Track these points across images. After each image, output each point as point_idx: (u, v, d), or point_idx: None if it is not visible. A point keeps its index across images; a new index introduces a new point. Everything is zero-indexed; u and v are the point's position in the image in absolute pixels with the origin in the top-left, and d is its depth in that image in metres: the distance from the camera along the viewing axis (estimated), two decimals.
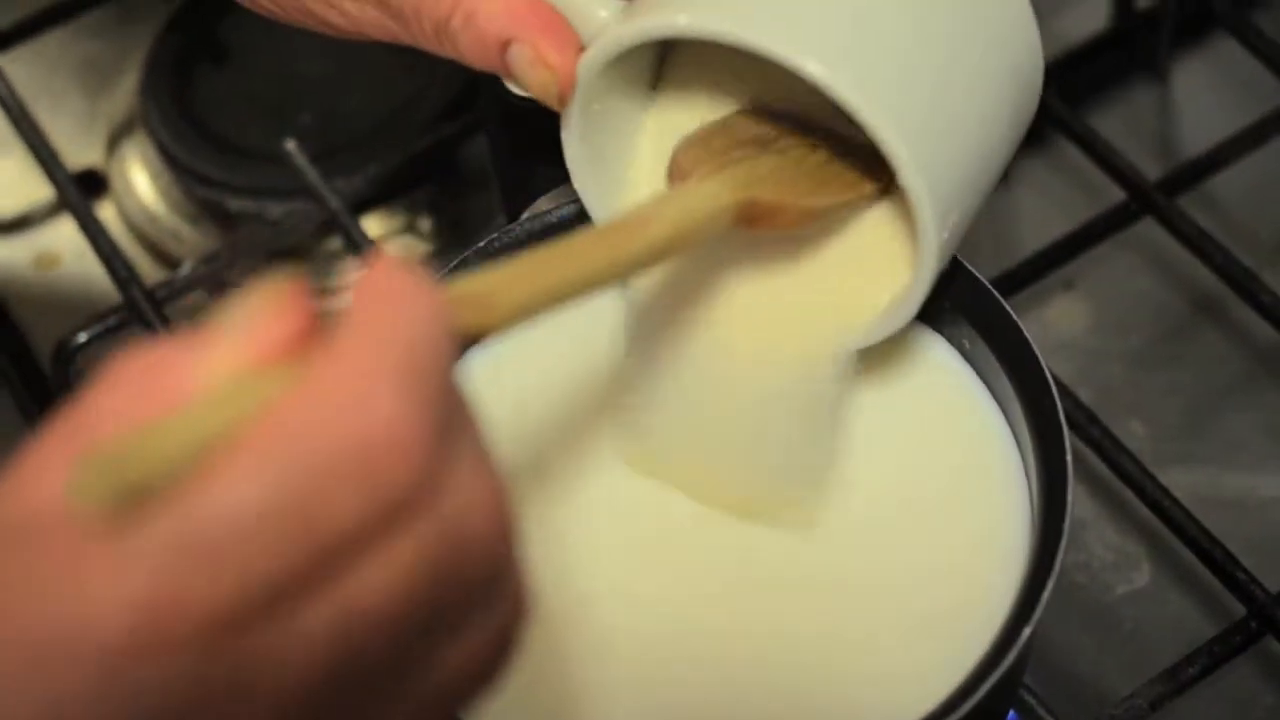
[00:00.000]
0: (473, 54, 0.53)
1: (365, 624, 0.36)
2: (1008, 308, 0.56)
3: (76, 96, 0.90)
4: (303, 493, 0.34)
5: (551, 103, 0.53)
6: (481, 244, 0.59)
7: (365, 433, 0.35)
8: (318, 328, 0.36)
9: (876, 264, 0.55)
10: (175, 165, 0.85)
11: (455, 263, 0.58)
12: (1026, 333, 0.55)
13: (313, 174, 0.78)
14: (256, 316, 0.36)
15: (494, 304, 0.41)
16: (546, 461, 0.57)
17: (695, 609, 0.54)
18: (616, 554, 0.55)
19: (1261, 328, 0.73)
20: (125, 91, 0.89)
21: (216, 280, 0.79)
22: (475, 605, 0.38)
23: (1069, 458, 0.52)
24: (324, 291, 0.81)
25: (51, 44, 0.90)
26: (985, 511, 0.55)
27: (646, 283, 0.56)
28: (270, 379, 0.35)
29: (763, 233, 0.52)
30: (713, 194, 0.50)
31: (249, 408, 0.35)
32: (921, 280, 0.52)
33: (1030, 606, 0.50)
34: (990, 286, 0.57)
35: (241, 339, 0.36)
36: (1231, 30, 0.81)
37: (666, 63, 0.56)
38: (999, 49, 0.53)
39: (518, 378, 0.58)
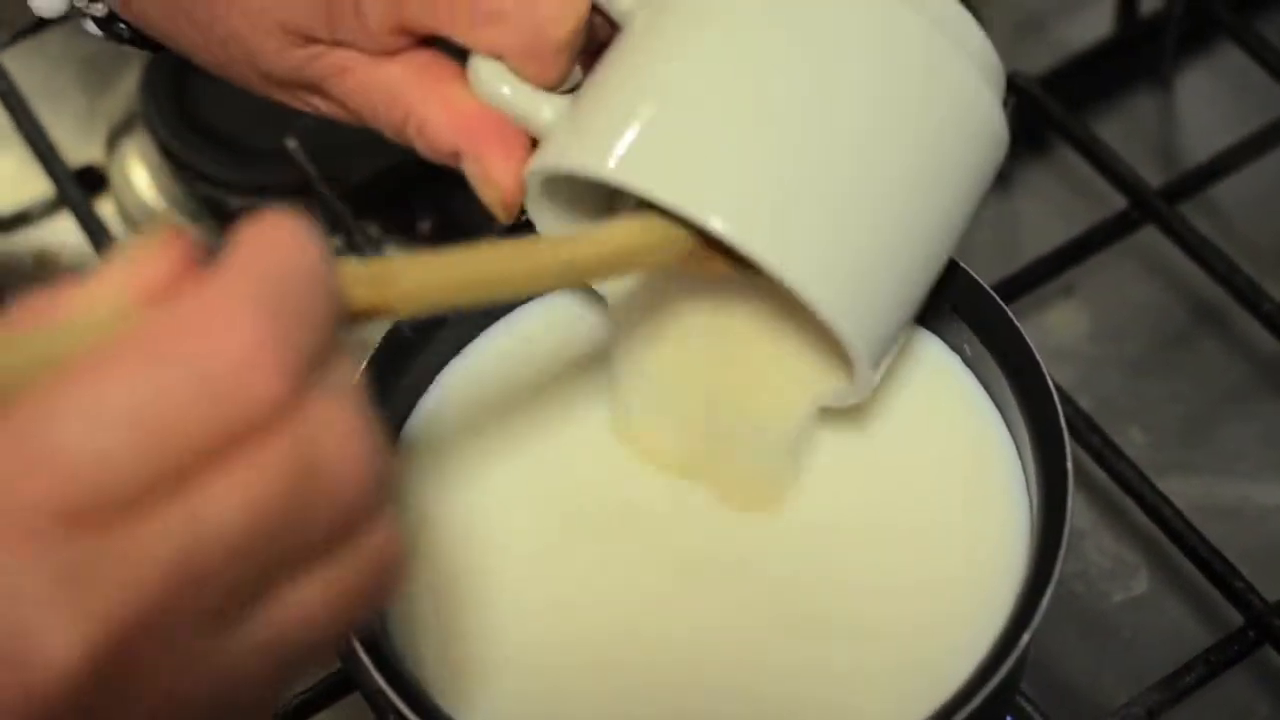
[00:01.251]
0: (431, 158, 0.55)
1: (210, 540, 0.36)
2: (1010, 315, 0.56)
3: (76, 93, 0.90)
4: (155, 402, 0.35)
5: (500, 216, 0.54)
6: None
7: (221, 351, 0.36)
8: (198, 271, 0.37)
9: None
10: (175, 162, 0.85)
11: None
12: (1029, 340, 0.55)
13: (313, 172, 0.78)
14: (140, 257, 0.37)
15: (394, 283, 0.42)
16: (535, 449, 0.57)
17: (684, 611, 0.54)
18: (606, 560, 0.55)
19: (1262, 337, 0.73)
20: (126, 88, 0.89)
21: None
22: (332, 541, 0.38)
23: (1069, 465, 0.52)
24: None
25: (52, 41, 0.89)
26: (984, 518, 0.55)
27: (627, 295, 0.56)
28: (143, 309, 0.37)
29: (721, 272, 0.52)
30: (659, 226, 0.50)
31: (116, 330, 0.36)
32: (860, 387, 0.53)
33: (1029, 613, 0.50)
34: (994, 294, 0.56)
35: (122, 275, 0.37)
36: (1235, 38, 0.81)
37: None
38: (947, 163, 0.52)
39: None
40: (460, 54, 0.54)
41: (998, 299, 0.56)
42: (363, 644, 0.50)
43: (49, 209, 0.86)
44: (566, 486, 0.56)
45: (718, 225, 0.49)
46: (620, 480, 0.56)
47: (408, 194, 0.82)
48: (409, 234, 0.81)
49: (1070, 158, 0.80)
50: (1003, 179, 0.82)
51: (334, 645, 0.40)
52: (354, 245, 0.77)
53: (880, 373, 0.53)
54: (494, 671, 0.53)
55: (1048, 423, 0.53)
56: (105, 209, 0.85)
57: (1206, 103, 0.86)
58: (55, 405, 0.35)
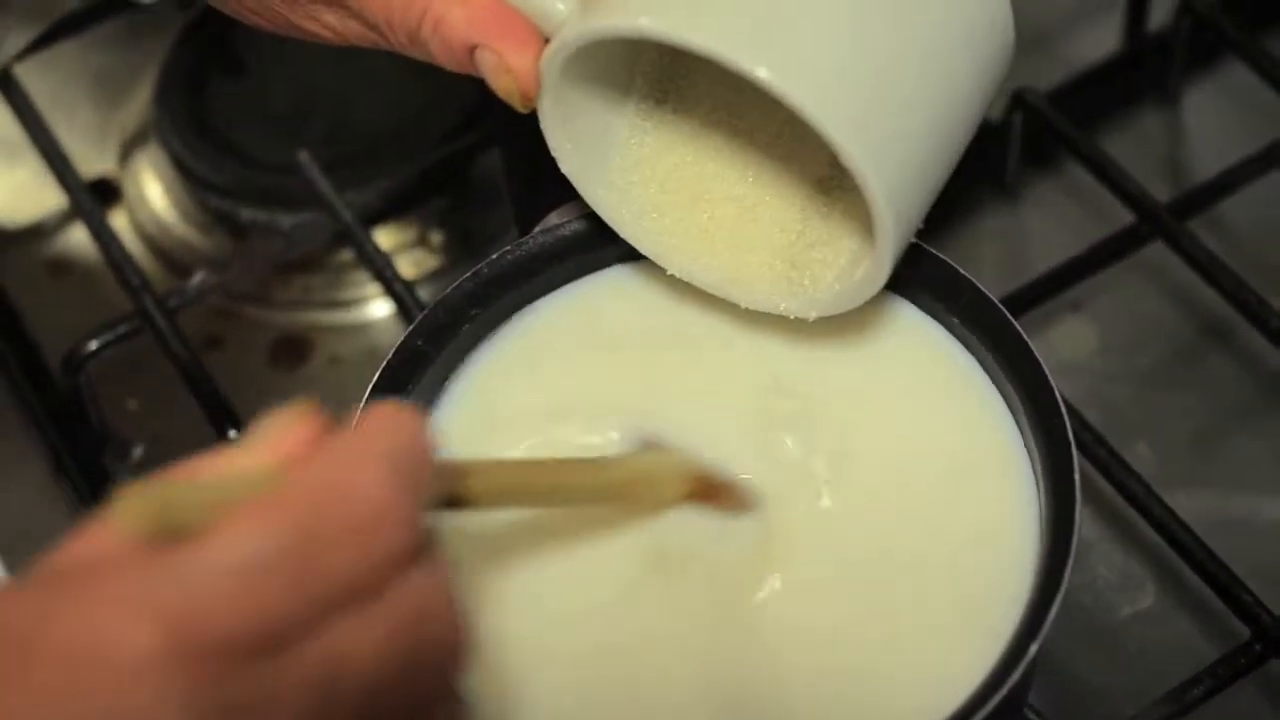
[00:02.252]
0: (444, 59, 0.56)
1: (348, 671, 0.40)
2: (1019, 328, 0.56)
3: (90, 106, 0.90)
4: (307, 542, 0.40)
5: (516, 104, 0.55)
6: (494, 257, 0.59)
7: (359, 497, 0.41)
8: (329, 437, 0.42)
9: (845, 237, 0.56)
10: (188, 175, 0.85)
11: (467, 275, 0.58)
12: (1038, 354, 0.55)
13: (325, 185, 0.79)
14: (281, 425, 0.42)
15: (470, 481, 0.47)
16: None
17: (679, 612, 0.54)
18: (594, 580, 0.55)
19: (1269, 352, 0.73)
20: (139, 101, 0.89)
21: (227, 289, 0.80)
22: (439, 696, 0.44)
23: (1077, 478, 0.53)
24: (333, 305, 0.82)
25: (66, 54, 0.90)
26: (993, 530, 0.55)
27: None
28: (287, 471, 0.42)
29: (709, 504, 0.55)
30: (672, 472, 0.55)
31: (266, 486, 0.41)
32: (880, 268, 0.54)
33: (1036, 625, 0.51)
34: (1003, 308, 0.57)
35: (267, 441, 0.42)
36: (1242, 55, 0.81)
37: (640, 47, 0.57)
38: (960, 28, 0.54)
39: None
40: None
41: (1006, 312, 0.57)
42: None
43: (62, 220, 0.86)
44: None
45: (762, 74, 0.49)
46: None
47: (418, 207, 0.83)
48: (420, 247, 0.81)
49: (1078, 173, 0.80)
50: (1011, 194, 0.83)
51: None
52: (365, 257, 0.77)
53: (900, 247, 0.53)
54: None
55: (1056, 436, 0.54)
56: (118, 221, 0.85)
57: (1214, 119, 0.86)
58: (229, 543, 0.39)
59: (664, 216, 0.58)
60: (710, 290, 0.58)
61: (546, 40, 0.54)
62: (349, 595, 0.40)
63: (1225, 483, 0.74)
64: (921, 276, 0.58)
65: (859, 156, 0.50)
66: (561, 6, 0.54)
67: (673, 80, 0.58)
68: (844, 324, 0.58)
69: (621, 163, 0.58)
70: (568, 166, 0.57)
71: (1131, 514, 0.69)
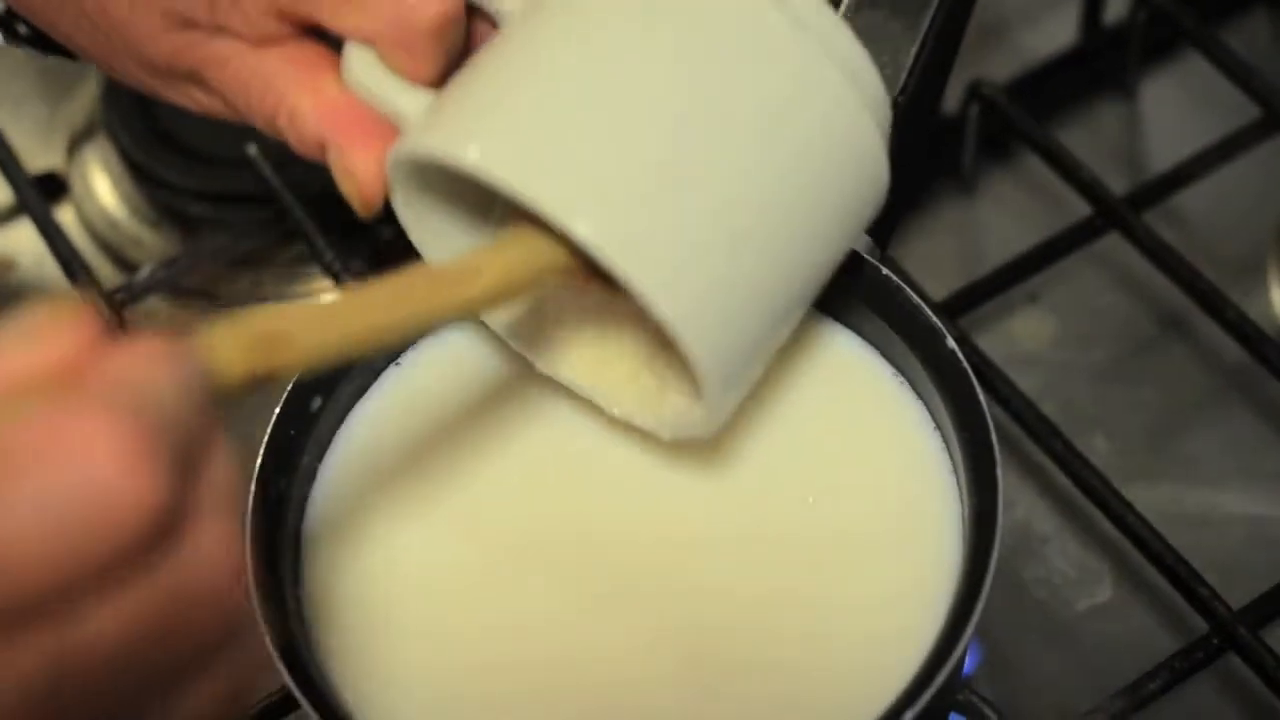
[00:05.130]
0: (300, 150, 0.55)
1: (85, 657, 0.36)
2: (942, 327, 0.55)
3: (37, 99, 0.89)
4: (43, 523, 0.35)
5: (358, 209, 0.53)
6: None
7: (90, 480, 0.35)
8: (95, 354, 0.37)
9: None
10: (136, 170, 0.84)
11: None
12: (962, 356, 0.54)
13: (275, 180, 0.78)
14: (42, 332, 0.37)
15: (286, 344, 0.42)
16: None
17: (610, 633, 0.54)
18: (531, 585, 0.55)
19: (1227, 344, 0.73)
20: (87, 95, 0.88)
21: (175, 284, 0.79)
22: (205, 657, 0.39)
23: (999, 473, 0.52)
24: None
25: (13, 49, 0.88)
26: (919, 529, 0.54)
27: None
28: (32, 398, 0.36)
29: (601, 289, 0.50)
30: (546, 247, 0.49)
31: (35, 405, 0.35)
32: (710, 418, 0.52)
33: (961, 622, 0.50)
34: (928, 310, 0.56)
35: (19, 351, 0.37)
36: (1199, 47, 0.81)
37: None
38: (819, 189, 0.50)
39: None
40: (341, 48, 0.54)
41: (931, 314, 0.56)
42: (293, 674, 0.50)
43: (8, 215, 0.85)
44: (486, 516, 0.56)
45: (581, 230, 0.46)
46: (543, 503, 0.56)
47: None
48: (370, 241, 0.80)
49: (1035, 165, 0.80)
50: (967, 186, 0.83)
51: None
52: (315, 253, 0.76)
53: (732, 402, 0.52)
54: (415, 700, 0.53)
55: (980, 441, 0.53)
56: (65, 216, 0.84)
57: (1170, 111, 0.86)
58: None
59: (524, 324, 0.56)
60: (577, 392, 0.56)
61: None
62: (75, 588, 0.36)
63: (1183, 475, 0.74)
64: (846, 279, 0.57)
65: (677, 324, 0.47)
66: (409, 106, 0.52)
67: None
68: None
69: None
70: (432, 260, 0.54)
71: (1089, 507, 0.68)
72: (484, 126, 0.49)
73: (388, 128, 0.53)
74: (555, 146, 0.48)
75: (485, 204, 0.54)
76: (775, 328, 0.52)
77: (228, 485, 0.38)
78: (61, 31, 0.58)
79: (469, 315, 0.52)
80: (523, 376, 0.58)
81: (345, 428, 0.57)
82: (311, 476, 0.56)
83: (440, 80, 0.53)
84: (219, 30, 0.54)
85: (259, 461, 0.54)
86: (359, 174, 0.53)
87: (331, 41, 0.55)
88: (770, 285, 0.50)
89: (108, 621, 0.36)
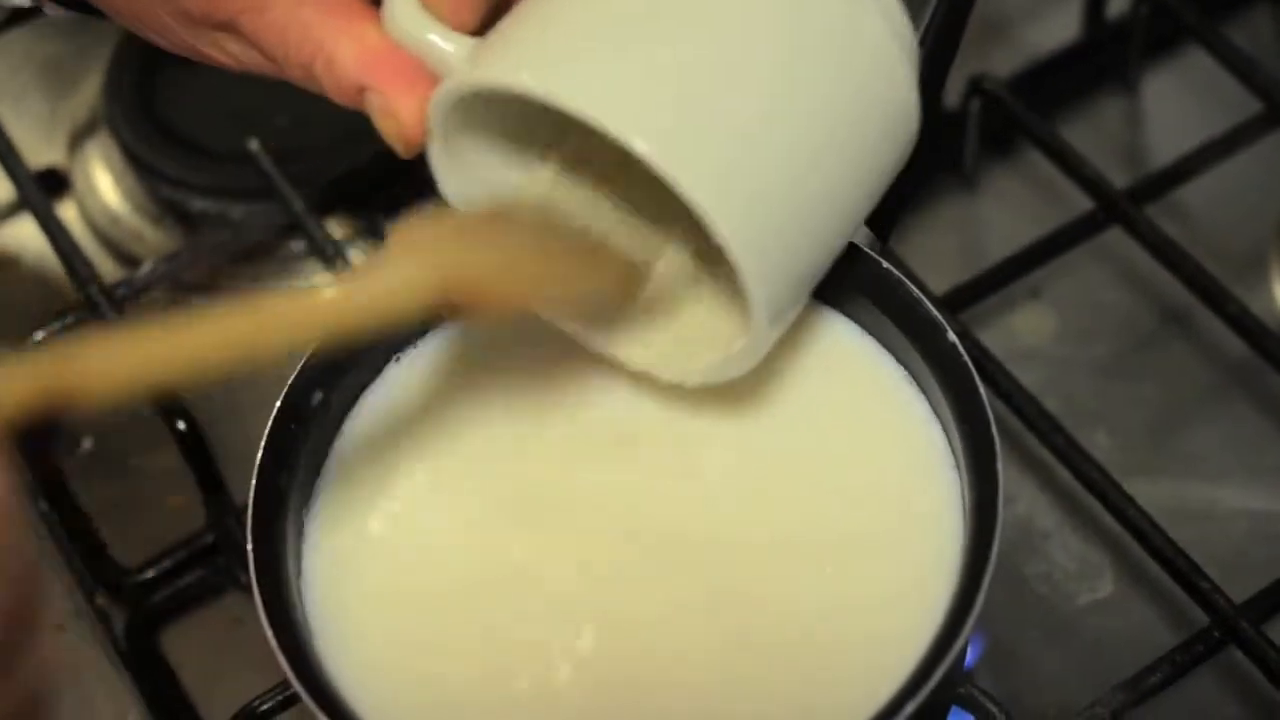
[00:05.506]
0: (337, 97, 0.55)
1: None
2: (943, 321, 0.55)
3: (39, 95, 0.89)
4: None
5: (400, 151, 0.53)
6: None
7: None
8: None
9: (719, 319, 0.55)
10: (138, 165, 0.84)
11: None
12: (958, 343, 0.55)
13: (276, 175, 0.78)
14: None
15: (85, 375, 0.40)
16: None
17: (632, 625, 0.54)
18: (531, 572, 0.55)
19: (1228, 339, 0.73)
20: (89, 91, 0.88)
21: (176, 279, 0.79)
22: None
23: (1000, 468, 0.52)
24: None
25: (15, 42, 0.89)
26: (922, 528, 0.54)
27: None
28: None
29: (476, 317, 0.52)
30: (401, 272, 0.48)
31: None
32: (753, 351, 0.52)
33: (961, 617, 0.50)
34: (931, 306, 0.56)
35: None
36: (1201, 42, 0.81)
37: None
38: (860, 119, 0.51)
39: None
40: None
41: (932, 307, 0.56)
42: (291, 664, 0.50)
43: (10, 211, 0.85)
44: (490, 510, 0.56)
45: (640, 147, 0.48)
46: (546, 498, 0.56)
47: (370, 196, 0.82)
48: (371, 236, 0.80)
49: (1037, 160, 0.79)
50: (969, 181, 0.83)
51: None
52: (316, 247, 0.76)
53: (775, 334, 0.52)
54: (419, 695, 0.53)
55: (981, 433, 0.53)
56: (67, 212, 0.84)
57: (1172, 106, 0.86)
58: None
59: None
60: (590, 348, 0.56)
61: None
62: None
63: (1184, 470, 0.74)
64: (847, 272, 0.57)
65: (733, 240, 0.48)
66: (452, 50, 0.52)
67: (568, 135, 0.56)
68: None
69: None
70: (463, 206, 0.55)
71: (1090, 502, 0.68)
72: (536, 54, 0.50)
73: (427, 73, 0.53)
74: (609, 68, 0.49)
75: (522, 152, 0.55)
76: (820, 257, 0.52)
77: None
78: None
79: (309, 342, 0.51)
80: (525, 370, 0.58)
81: (347, 422, 0.57)
82: (313, 471, 0.56)
83: (482, 28, 0.53)
84: None
85: (259, 457, 0.54)
86: (402, 115, 0.53)
87: None
88: (817, 211, 0.51)
89: None
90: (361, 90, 0.53)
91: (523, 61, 0.50)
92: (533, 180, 0.56)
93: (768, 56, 0.50)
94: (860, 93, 0.51)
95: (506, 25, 0.52)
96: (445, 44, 0.53)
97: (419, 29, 0.53)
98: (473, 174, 0.54)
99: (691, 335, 0.55)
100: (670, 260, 0.56)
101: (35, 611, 0.38)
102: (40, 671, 0.39)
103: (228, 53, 0.57)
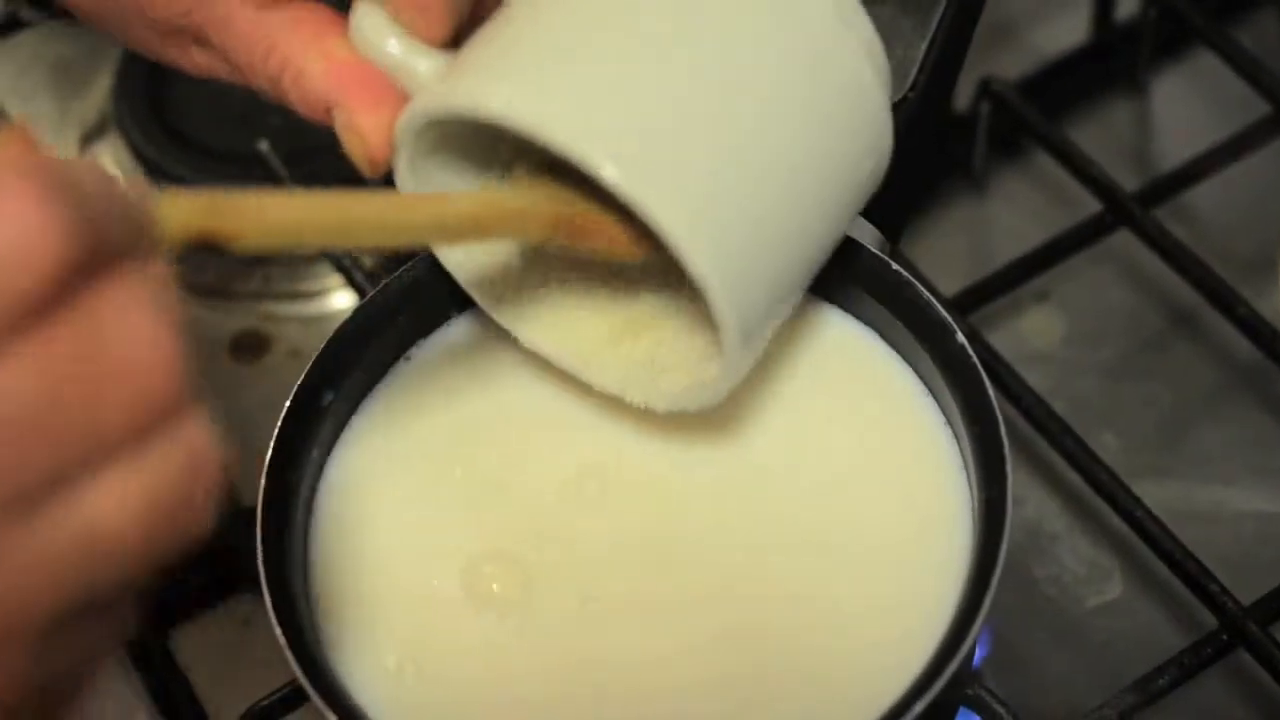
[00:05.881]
0: (304, 113, 0.54)
1: (107, 537, 0.36)
2: (953, 322, 0.55)
3: (48, 97, 0.89)
4: (57, 391, 0.35)
5: (364, 170, 0.53)
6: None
7: (122, 340, 0.36)
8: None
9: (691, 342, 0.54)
10: (147, 166, 0.84)
11: (405, 268, 0.58)
12: (974, 355, 0.54)
13: (286, 176, 0.78)
14: None
15: (237, 212, 0.41)
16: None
17: (637, 624, 0.54)
18: (536, 575, 0.55)
19: (1237, 341, 0.73)
20: (98, 92, 0.88)
21: (185, 281, 0.79)
22: (130, 433, 0.37)
23: (1009, 475, 0.52)
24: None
25: (24, 45, 0.89)
26: (932, 529, 0.54)
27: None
28: None
29: (585, 250, 0.52)
30: (529, 197, 0.50)
31: None
32: (726, 378, 0.52)
33: (968, 621, 0.50)
34: (940, 307, 0.56)
35: None
36: (1210, 44, 0.81)
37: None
38: (833, 139, 0.51)
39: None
40: (347, 9, 0.54)
41: (941, 309, 0.56)
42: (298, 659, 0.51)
43: None
44: (496, 511, 0.56)
45: (609, 173, 0.47)
46: (551, 500, 0.56)
47: None
48: None
49: (1045, 162, 0.80)
50: (978, 183, 0.83)
51: (138, 562, 0.38)
52: (326, 250, 0.76)
53: (748, 363, 0.52)
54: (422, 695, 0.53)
55: (989, 434, 0.53)
56: None
57: (1181, 108, 0.86)
58: None
59: (517, 290, 0.56)
60: (563, 369, 0.56)
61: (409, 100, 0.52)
62: (106, 450, 0.36)
63: (1193, 472, 0.74)
64: (856, 274, 0.57)
65: (705, 270, 0.48)
66: (422, 68, 0.52)
67: (532, 152, 0.54)
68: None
69: None
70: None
71: (1099, 504, 0.68)
72: (507, 78, 0.49)
73: (395, 90, 0.52)
74: (579, 93, 0.48)
75: (487, 168, 0.54)
76: (791, 285, 0.52)
77: (157, 291, 0.37)
78: None
79: (441, 238, 0.52)
80: (531, 372, 0.58)
81: (354, 421, 0.57)
82: (320, 471, 0.56)
83: (451, 43, 0.52)
84: None
85: (268, 457, 0.54)
86: (367, 134, 0.52)
87: (335, 2, 0.54)
88: (789, 237, 0.51)
89: (17, 370, 0.35)
90: (329, 108, 0.53)
91: (494, 86, 0.49)
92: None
93: (739, 84, 0.49)
94: (833, 112, 0.51)
95: (478, 45, 0.51)
96: (415, 60, 0.52)
97: (387, 44, 0.52)
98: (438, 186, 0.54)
99: (664, 358, 0.55)
100: (642, 283, 0.56)
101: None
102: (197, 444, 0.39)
103: (194, 62, 0.57)
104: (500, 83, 0.49)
